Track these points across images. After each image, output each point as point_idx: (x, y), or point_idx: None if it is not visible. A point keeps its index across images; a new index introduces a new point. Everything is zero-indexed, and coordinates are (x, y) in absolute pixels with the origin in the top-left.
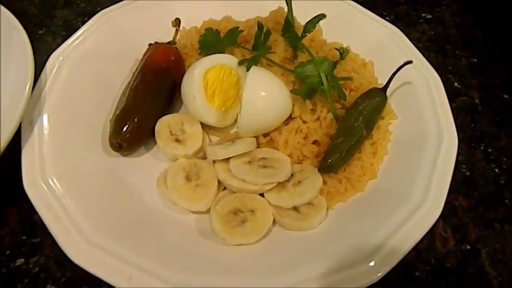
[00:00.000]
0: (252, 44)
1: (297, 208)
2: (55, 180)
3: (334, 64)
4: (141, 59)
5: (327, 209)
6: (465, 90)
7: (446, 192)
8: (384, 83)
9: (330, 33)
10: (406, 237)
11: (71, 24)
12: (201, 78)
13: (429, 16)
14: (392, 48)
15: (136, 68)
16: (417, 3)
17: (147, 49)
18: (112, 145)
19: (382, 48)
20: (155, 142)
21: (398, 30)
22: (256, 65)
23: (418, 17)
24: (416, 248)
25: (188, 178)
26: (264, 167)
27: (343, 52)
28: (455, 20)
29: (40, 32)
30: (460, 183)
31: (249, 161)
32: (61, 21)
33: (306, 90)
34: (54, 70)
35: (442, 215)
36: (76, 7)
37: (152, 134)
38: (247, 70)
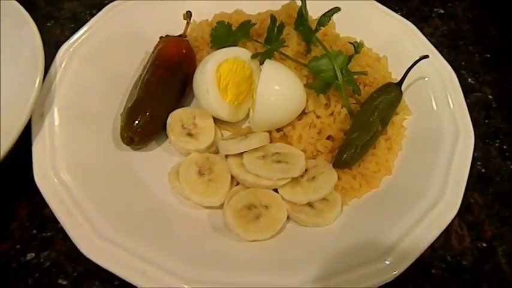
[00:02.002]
0: (264, 37)
1: (312, 204)
2: (66, 174)
3: (349, 58)
4: (152, 52)
5: (342, 205)
6: (479, 86)
7: (464, 189)
8: (398, 78)
9: (342, 27)
10: (423, 235)
11: (79, 16)
12: (214, 72)
13: (441, 11)
14: (406, 43)
15: (148, 61)
16: None
17: (158, 42)
18: (123, 139)
19: (395, 43)
20: (167, 136)
21: (412, 24)
22: (269, 58)
23: (430, 12)
24: (432, 246)
25: (201, 173)
26: (278, 162)
27: (357, 46)
28: (468, 15)
29: (48, 24)
30: (475, 180)
31: (263, 156)
32: (69, 13)
33: (320, 84)
34: (64, 63)
35: (458, 212)
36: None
37: (164, 128)
38: (261, 63)
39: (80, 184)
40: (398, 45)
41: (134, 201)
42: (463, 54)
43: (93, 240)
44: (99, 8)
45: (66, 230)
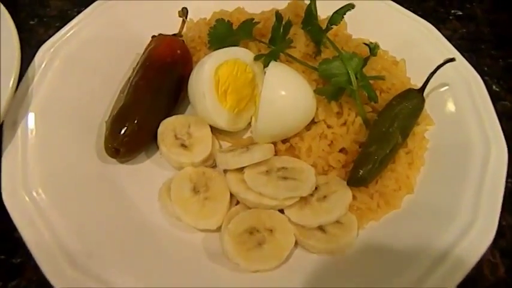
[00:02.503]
0: (268, 37)
1: (323, 228)
2: (39, 192)
3: (365, 61)
4: (143, 53)
5: (358, 229)
6: (504, 93)
7: (499, 210)
8: (418, 84)
9: (354, 28)
10: (455, 267)
11: (66, 14)
12: (212, 75)
13: (460, 13)
14: (425, 45)
15: (138, 63)
16: None
17: (150, 41)
18: (108, 150)
19: (413, 45)
20: (157, 147)
21: (431, 25)
22: (275, 60)
23: (447, 14)
24: None
25: (195, 190)
26: (285, 178)
27: (373, 48)
28: (489, 17)
29: (31, 22)
30: (506, 199)
31: (267, 171)
32: (55, 11)
33: (331, 90)
34: (44, 64)
35: None
36: None
37: (154, 137)
38: (265, 66)
39: (55, 204)
40: (417, 48)
41: (118, 224)
42: (485, 59)
43: (66, 271)
44: (89, 6)
45: (36, 258)
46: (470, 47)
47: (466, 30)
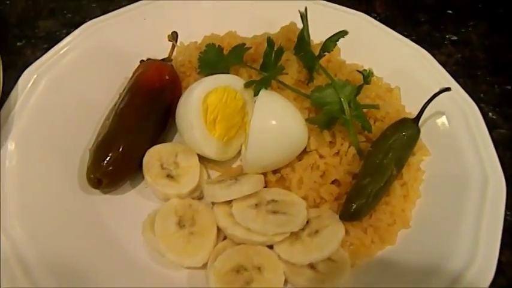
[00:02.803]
0: (260, 63)
1: (314, 266)
2: (15, 227)
3: (358, 89)
4: (131, 78)
5: (351, 267)
6: (502, 121)
7: (499, 247)
8: (412, 112)
9: (348, 53)
10: None
11: (54, 36)
12: (201, 102)
13: (454, 37)
14: (420, 72)
15: (124, 88)
16: (440, 23)
17: (138, 66)
18: (90, 180)
19: (408, 72)
20: (143, 177)
21: (425, 51)
22: (266, 88)
23: (442, 38)
24: None
25: (181, 224)
26: (274, 212)
27: (367, 76)
28: (484, 42)
29: (19, 44)
30: (505, 234)
31: (256, 205)
32: (43, 32)
33: (324, 119)
34: (28, 88)
35: None
36: (61, 17)
37: (139, 167)
38: (256, 94)
39: (32, 241)
40: (412, 75)
41: (99, 260)
42: (481, 86)
43: None
44: (78, 27)
45: None
46: (465, 73)
47: (461, 56)
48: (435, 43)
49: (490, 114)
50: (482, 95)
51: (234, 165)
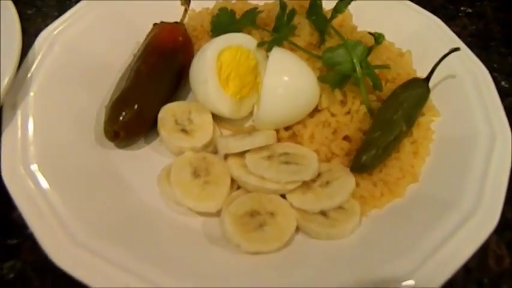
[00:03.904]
0: (272, 28)
1: (325, 213)
2: (39, 170)
3: (369, 50)
4: (145, 39)
5: (360, 215)
6: None
7: (503, 198)
8: (423, 76)
9: (359, 21)
10: (455, 252)
11: (64, 5)
12: (215, 60)
13: (469, 10)
14: (432, 39)
15: (139, 49)
16: None
17: (152, 29)
18: (107, 133)
19: (420, 39)
20: (157, 134)
21: (438, 19)
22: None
23: (457, 11)
24: (465, 267)
25: (196, 174)
26: (287, 163)
27: (378, 37)
28: (499, 15)
29: (29, 12)
30: None
31: (269, 156)
32: (54, 1)
33: (335, 77)
34: (44, 49)
35: (495, 229)
36: None
37: (154, 124)
38: (268, 51)
39: (55, 183)
40: (424, 41)
41: (117, 206)
42: (494, 56)
43: (67, 246)
44: None
45: (36, 234)
46: (479, 44)
47: (475, 28)
48: (450, 15)
49: (503, 83)
50: (495, 65)
51: (247, 125)
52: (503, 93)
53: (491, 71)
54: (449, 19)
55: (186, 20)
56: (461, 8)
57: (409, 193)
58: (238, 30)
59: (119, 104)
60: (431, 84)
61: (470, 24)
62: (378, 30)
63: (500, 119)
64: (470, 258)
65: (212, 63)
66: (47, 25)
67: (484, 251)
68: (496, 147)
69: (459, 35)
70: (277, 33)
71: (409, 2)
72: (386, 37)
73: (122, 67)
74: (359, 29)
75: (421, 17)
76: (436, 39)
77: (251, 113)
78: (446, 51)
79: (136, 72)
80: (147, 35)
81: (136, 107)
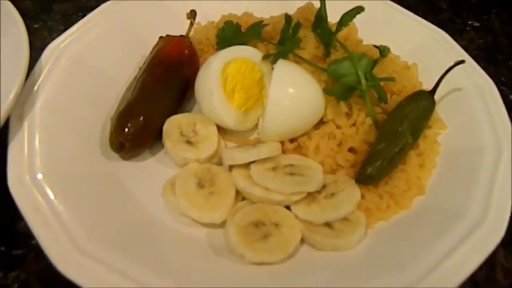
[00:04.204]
0: (277, 41)
1: (330, 224)
2: (45, 180)
3: (374, 63)
4: (151, 52)
5: (366, 227)
6: None
7: (510, 209)
8: (429, 89)
9: (365, 34)
10: (461, 263)
11: (70, 19)
12: (220, 72)
13: (477, 24)
14: (438, 52)
15: (145, 62)
16: (462, 9)
17: (158, 41)
18: (112, 144)
19: (426, 52)
20: (162, 146)
21: (444, 32)
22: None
23: (464, 25)
24: (473, 280)
25: (200, 185)
26: (291, 174)
27: (383, 50)
28: (506, 29)
29: (36, 26)
30: None
31: (273, 168)
32: (59, 15)
33: (341, 89)
34: (51, 61)
35: (503, 242)
36: (77, 1)
37: (159, 135)
38: (273, 63)
39: (60, 193)
40: (429, 54)
41: (121, 216)
42: (502, 69)
43: (72, 255)
44: (92, 10)
45: (41, 242)
46: (487, 57)
47: (482, 41)
48: (457, 29)
49: (511, 96)
50: (503, 78)
51: (252, 138)
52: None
53: (499, 84)
54: (456, 33)
55: (191, 34)
56: (469, 22)
57: (415, 205)
58: (243, 43)
59: (125, 115)
60: (437, 97)
61: (477, 38)
62: (384, 44)
63: (506, 132)
64: (478, 271)
65: (217, 75)
66: (53, 39)
67: (491, 264)
68: (502, 160)
69: (466, 48)
70: (283, 46)
71: (414, 15)
72: (392, 50)
73: (128, 80)
74: (364, 43)
75: (427, 30)
76: (441, 52)
77: (256, 126)
78: (452, 64)
79: (142, 84)
80: (153, 48)
81: (141, 118)
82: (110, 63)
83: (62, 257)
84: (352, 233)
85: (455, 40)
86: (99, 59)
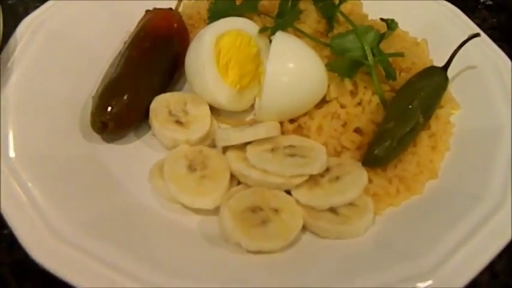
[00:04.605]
0: (275, 14)
1: (335, 210)
2: (19, 162)
3: (381, 37)
4: (137, 26)
5: (374, 213)
6: None
7: None
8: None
9: (370, 9)
10: (478, 251)
11: None
12: (213, 45)
13: (490, 2)
14: (449, 28)
15: (130, 36)
16: None
17: (144, 15)
18: (94, 125)
19: (437, 29)
20: (149, 127)
21: (455, 7)
22: None
23: (476, 2)
24: (491, 270)
25: (192, 168)
26: (292, 155)
27: (391, 22)
28: None
29: (10, 1)
30: None
31: (272, 149)
32: None
33: (345, 65)
34: (27, 36)
35: None
36: None
37: (146, 115)
38: (272, 35)
39: (36, 176)
40: (441, 31)
41: (104, 202)
42: None
43: (49, 241)
44: None
45: (14, 229)
46: (501, 37)
47: (496, 20)
48: (469, 7)
49: None
50: None
51: (247, 119)
52: None
53: None
54: (468, 11)
55: (181, 9)
56: (481, 0)
57: (428, 190)
58: (238, 16)
59: (108, 92)
60: (450, 75)
61: (490, 17)
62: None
63: None
64: (497, 261)
65: (210, 49)
66: (28, 14)
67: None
68: None
69: (479, 27)
70: (281, 19)
71: None
72: (400, 26)
73: (112, 56)
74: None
75: (437, 5)
76: (453, 28)
77: (252, 107)
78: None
79: (127, 59)
80: (139, 21)
81: (126, 96)
82: (91, 38)
83: (38, 245)
84: (359, 219)
85: None
86: (80, 33)
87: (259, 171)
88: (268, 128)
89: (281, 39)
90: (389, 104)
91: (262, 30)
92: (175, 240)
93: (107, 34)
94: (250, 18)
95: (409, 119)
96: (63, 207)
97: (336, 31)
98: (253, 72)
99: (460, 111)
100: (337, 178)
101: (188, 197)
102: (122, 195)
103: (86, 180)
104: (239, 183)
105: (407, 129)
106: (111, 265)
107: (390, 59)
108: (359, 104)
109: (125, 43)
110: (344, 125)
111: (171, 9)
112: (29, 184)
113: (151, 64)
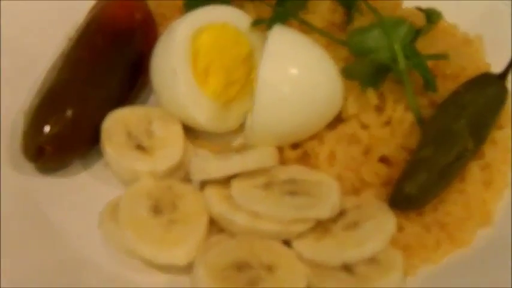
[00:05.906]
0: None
1: (350, 267)
2: None
3: (417, 33)
4: (86, 17)
5: (404, 273)
6: None
7: None
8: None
9: None
10: None
11: None
12: (188, 43)
13: None
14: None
15: (77, 30)
16: None
17: (96, 3)
18: (27, 150)
19: (496, 22)
20: (100, 154)
21: None
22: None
23: None
24: None
25: (157, 210)
26: (293, 193)
27: (432, 14)
28: None
29: None
30: None
31: (266, 184)
32: None
33: (368, 71)
34: None
35: None
36: None
37: (96, 138)
38: (268, 29)
39: None
40: (501, 24)
41: (38, 256)
42: None
43: None
44: None
45: None
46: None
47: None
48: None
49: None
50: None
51: (234, 144)
52: None
53: None
54: None
55: None
56: None
57: (481, 242)
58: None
59: (46, 106)
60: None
61: None
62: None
63: None
64: None
65: (183, 49)
66: None
67: None
68: None
69: None
70: (282, 7)
71: None
72: (446, 18)
73: (50, 58)
74: (405, 6)
75: None
76: None
77: (241, 126)
78: None
79: (72, 62)
80: (89, 12)
81: (70, 111)
82: (24, 32)
83: None
84: (381, 280)
85: None
86: (8, 27)
87: (247, 215)
88: (261, 156)
89: (280, 35)
90: (427, 123)
91: (255, 23)
92: None
93: (45, 27)
94: (241, 6)
95: (454, 144)
96: None
97: (356, 24)
98: (242, 80)
99: None
100: (355, 225)
101: (151, 249)
102: (61, 248)
103: (14, 226)
104: (221, 230)
105: (451, 159)
106: None
107: (429, 63)
108: (387, 123)
109: (69, 39)
110: (366, 152)
111: None
112: None
113: (104, 68)
